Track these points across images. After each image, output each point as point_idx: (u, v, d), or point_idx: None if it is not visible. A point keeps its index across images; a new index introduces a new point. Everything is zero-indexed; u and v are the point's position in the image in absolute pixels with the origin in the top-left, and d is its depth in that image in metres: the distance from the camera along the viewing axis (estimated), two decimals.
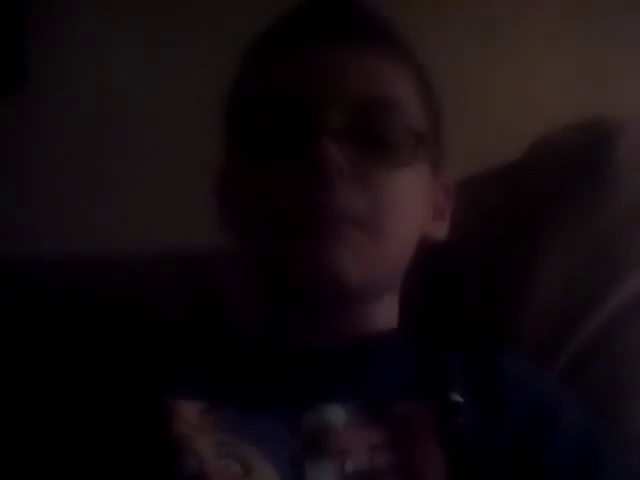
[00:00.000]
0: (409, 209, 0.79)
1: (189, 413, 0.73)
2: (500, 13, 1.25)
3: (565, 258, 0.91)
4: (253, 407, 0.73)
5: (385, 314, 0.82)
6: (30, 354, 0.90)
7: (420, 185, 0.80)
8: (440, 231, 0.85)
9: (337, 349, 0.77)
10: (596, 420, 0.78)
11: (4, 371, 0.88)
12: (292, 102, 0.77)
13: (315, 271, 0.74)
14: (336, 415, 0.73)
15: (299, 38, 0.80)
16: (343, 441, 0.71)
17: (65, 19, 1.24)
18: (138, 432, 0.72)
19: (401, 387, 0.76)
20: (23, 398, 0.83)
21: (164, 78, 1.23)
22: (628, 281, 0.90)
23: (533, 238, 0.93)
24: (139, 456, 0.71)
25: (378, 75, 0.79)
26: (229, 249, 0.84)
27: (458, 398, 0.74)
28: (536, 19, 1.26)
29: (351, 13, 0.81)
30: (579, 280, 0.91)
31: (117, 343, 0.86)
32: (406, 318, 0.83)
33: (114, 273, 0.99)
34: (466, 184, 0.92)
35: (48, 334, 0.92)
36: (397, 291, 0.83)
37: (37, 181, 1.20)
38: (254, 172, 0.78)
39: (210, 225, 0.83)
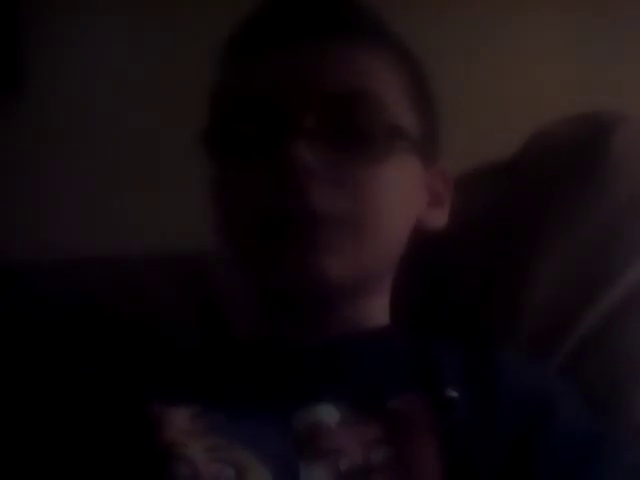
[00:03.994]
0: (393, 203, 0.78)
1: (180, 419, 0.72)
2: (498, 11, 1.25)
3: (564, 251, 0.91)
4: (245, 409, 0.73)
5: (376, 309, 0.82)
6: (22, 359, 0.90)
7: (405, 177, 0.79)
8: (439, 218, 0.85)
9: (328, 347, 0.77)
10: (595, 414, 0.78)
11: None
12: (265, 103, 0.77)
13: (296, 273, 0.74)
14: (328, 414, 0.72)
15: (270, 38, 0.79)
16: (337, 439, 0.71)
17: (62, 18, 1.23)
18: (129, 441, 0.72)
19: (395, 382, 0.75)
20: (14, 401, 0.83)
21: (163, 74, 1.23)
22: (627, 273, 0.90)
23: (532, 231, 0.93)
24: (131, 465, 0.71)
25: (349, 70, 0.78)
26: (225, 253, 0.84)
27: (453, 393, 0.74)
28: (535, 18, 1.26)
29: (324, 8, 0.80)
30: (578, 273, 0.90)
31: (108, 349, 0.86)
32: (401, 312, 0.83)
33: (112, 274, 0.99)
34: (465, 178, 0.92)
35: (42, 338, 0.92)
36: (388, 286, 0.83)
37: (36, 182, 1.20)
38: (233, 175, 0.78)
39: (208, 226, 0.83)
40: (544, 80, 1.23)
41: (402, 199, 0.79)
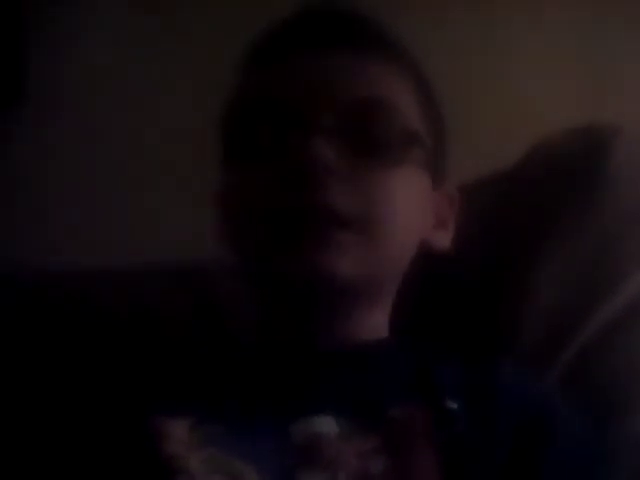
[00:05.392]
0: (403, 210, 0.78)
1: (179, 430, 0.72)
2: (500, 18, 1.25)
3: (564, 262, 0.92)
4: (244, 420, 0.73)
5: (376, 325, 0.82)
6: (22, 371, 0.91)
7: (416, 189, 0.80)
8: (443, 241, 0.85)
9: (328, 358, 0.77)
10: (595, 423, 0.79)
11: None
12: (283, 106, 0.77)
13: (305, 272, 0.74)
14: (327, 425, 0.72)
15: (290, 44, 0.80)
16: (335, 451, 0.71)
17: (64, 34, 1.24)
18: (131, 455, 0.72)
19: (395, 393, 0.75)
20: (15, 412, 0.83)
21: (164, 90, 1.23)
22: (626, 283, 0.90)
23: (532, 243, 0.93)
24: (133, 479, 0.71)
25: (369, 75, 0.79)
26: (227, 261, 0.84)
27: (453, 405, 0.74)
28: (536, 22, 1.26)
29: (343, 18, 0.82)
30: (579, 284, 0.91)
31: (108, 360, 0.86)
32: (401, 325, 0.83)
33: (112, 284, 1.00)
34: (464, 190, 0.92)
35: (42, 350, 0.92)
36: (390, 301, 0.83)
37: (37, 196, 1.21)
38: (248, 175, 0.78)
39: (209, 236, 0.84)
40: (544, 86, 1.24)
41: (412, 209, 0.80)
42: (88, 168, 1.22)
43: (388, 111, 0.78)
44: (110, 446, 0.73)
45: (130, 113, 1.22)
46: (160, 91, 1.23)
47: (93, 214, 1.20)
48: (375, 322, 0.81)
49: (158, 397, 0.75)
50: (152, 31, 1.24)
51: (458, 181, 0.91)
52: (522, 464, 0.72)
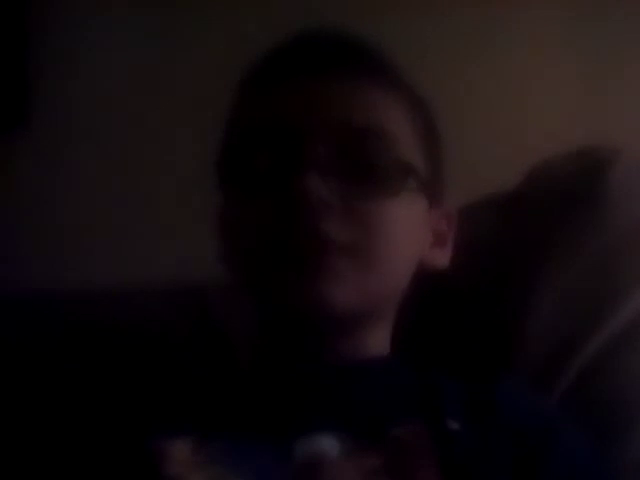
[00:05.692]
0: (400, 239, 0.79)
1: (180, 451, 0.72)
2: (498, 34, 1.26)
3: (564, 283, 0.92)
4: (246, 439, 0.73)
5: (378, 340, 0.82)
6: (21, 392, 0.91)
7: (413, 215, 0.81)
8: (441, 258, 0.86)
9: (329, 376, 0.77)
10: (597, 444, 0.79)
11: None
12: (280, 133, 0.77)
13: (303, 304, 0.75)
14: (329, 444, 0.72)
15: (286, 72, 0.80)
16: (337, 470, 0.71)
17: (68, 55, 1.25)
18: (130, 477, 0.71)
19: (397, 412, 0.75)
20: (15, 435, 0.83)
21: (167, 111, 1.24)
22: (627, 303, 0.91)
23: (531, 264, 0.94)
24: None
25: (364, 106, 0.79)
26: (229, 280, 0.84)
27: (455, 425, 0.74)
28: (536, 40, 1.27)
29: (340, 46, 0.82)
30: (578, 304, 0.91)
31: (108, 382, 0.86)
32: (402, 344, 0.83)
33: (114, 305, 1.00)
34: (463, 212, 0.93)
35: (42, 372, 0.93)
36: (391, 320, 0.83)
37: (39, 216, 1.21)
38: (245, 204, 0.78)
39: (211, 256, 0.84)
40: (544, 106, 1.24)
41: (409, 235, 0.80)
42: (89, 187, 1.22)
43: (385, 141, 0.78)
44: (111, 467, 0.73)
45: (131, 130, 1.23)
46: (160, 106, 1.24)
47: (94, 233, 1.21)
48: (376, 340, 0.81)
49: (159, 417, 0.75)
50: (153, 51, 1.25)
51: (459, 202, 0.92)
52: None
